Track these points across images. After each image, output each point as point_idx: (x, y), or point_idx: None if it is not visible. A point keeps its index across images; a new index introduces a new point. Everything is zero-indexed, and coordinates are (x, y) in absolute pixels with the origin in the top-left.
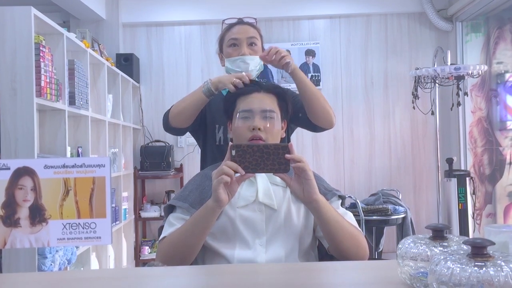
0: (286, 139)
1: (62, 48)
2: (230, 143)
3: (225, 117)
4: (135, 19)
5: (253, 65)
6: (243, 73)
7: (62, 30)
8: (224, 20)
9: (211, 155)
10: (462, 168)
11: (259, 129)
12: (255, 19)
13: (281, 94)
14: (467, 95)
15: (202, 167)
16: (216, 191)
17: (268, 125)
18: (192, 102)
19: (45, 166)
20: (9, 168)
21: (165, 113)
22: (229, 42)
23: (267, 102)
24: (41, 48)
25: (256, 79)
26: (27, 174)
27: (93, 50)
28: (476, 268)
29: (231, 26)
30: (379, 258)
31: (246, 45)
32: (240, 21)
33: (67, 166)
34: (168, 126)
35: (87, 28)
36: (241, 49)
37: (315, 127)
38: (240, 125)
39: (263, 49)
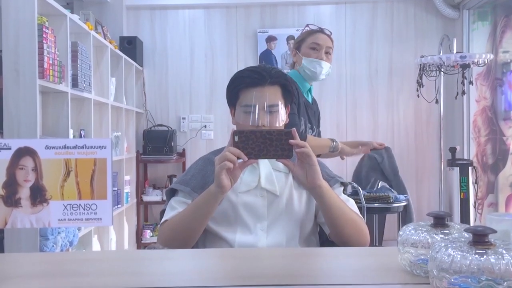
0: (292, 124)
1: (65, 30)
2: (233, 129)
3: (228, 104)
4: (139, 2)
5: (325, 70)
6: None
7: (66, 12)
8: (308, 24)
9: None
10: (465, 157)
11: (263, 125)
12: (331, 32)
13: (285, 85)
14: (472, 84)
15: None
16: (218, 177)
17: (272, 120)
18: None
19: (46, 147)
20: (10, 148)
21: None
22: (312, 45)
23: (271, 96)
24: (44, 29)
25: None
26: (28, 154)
27: (97, 32)
28: (477, 256)
29: (314, 31)
30: (380, 245)
31: (324, 52)
32: (322, 30)
33: (68, 147)
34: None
35: (91, 10)
36: (319, 54)
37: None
38: (242, 119)
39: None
